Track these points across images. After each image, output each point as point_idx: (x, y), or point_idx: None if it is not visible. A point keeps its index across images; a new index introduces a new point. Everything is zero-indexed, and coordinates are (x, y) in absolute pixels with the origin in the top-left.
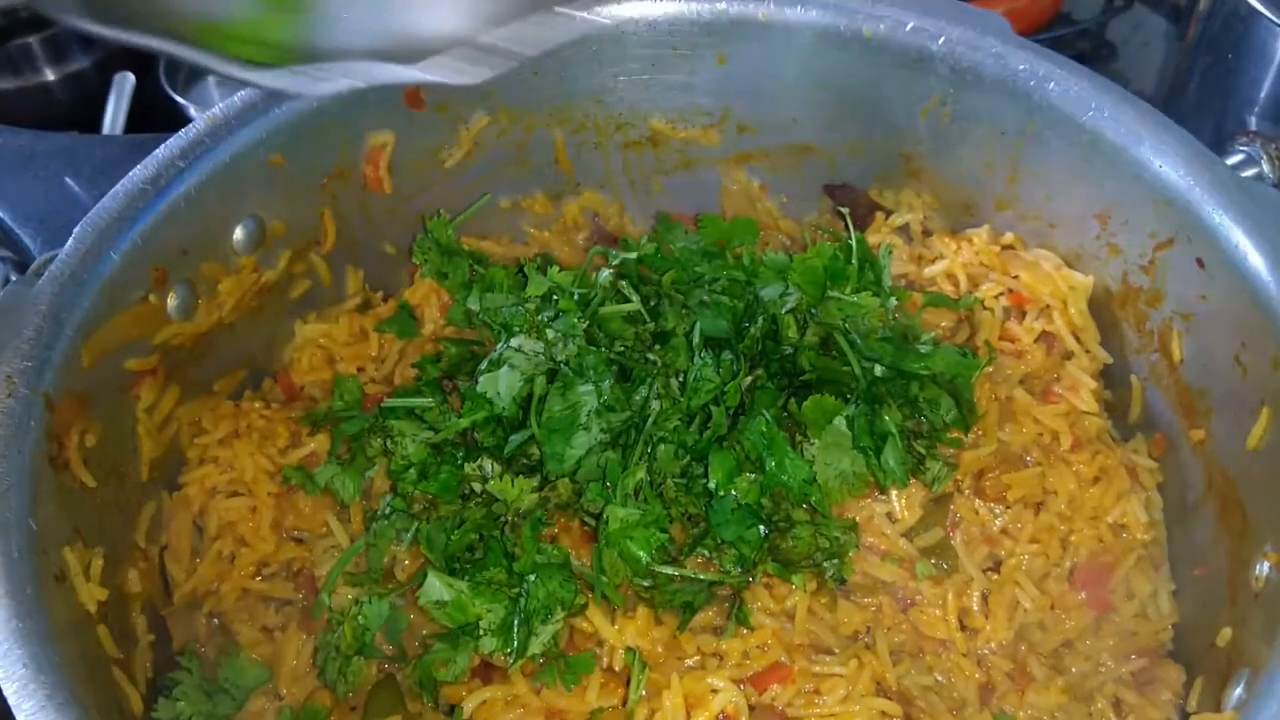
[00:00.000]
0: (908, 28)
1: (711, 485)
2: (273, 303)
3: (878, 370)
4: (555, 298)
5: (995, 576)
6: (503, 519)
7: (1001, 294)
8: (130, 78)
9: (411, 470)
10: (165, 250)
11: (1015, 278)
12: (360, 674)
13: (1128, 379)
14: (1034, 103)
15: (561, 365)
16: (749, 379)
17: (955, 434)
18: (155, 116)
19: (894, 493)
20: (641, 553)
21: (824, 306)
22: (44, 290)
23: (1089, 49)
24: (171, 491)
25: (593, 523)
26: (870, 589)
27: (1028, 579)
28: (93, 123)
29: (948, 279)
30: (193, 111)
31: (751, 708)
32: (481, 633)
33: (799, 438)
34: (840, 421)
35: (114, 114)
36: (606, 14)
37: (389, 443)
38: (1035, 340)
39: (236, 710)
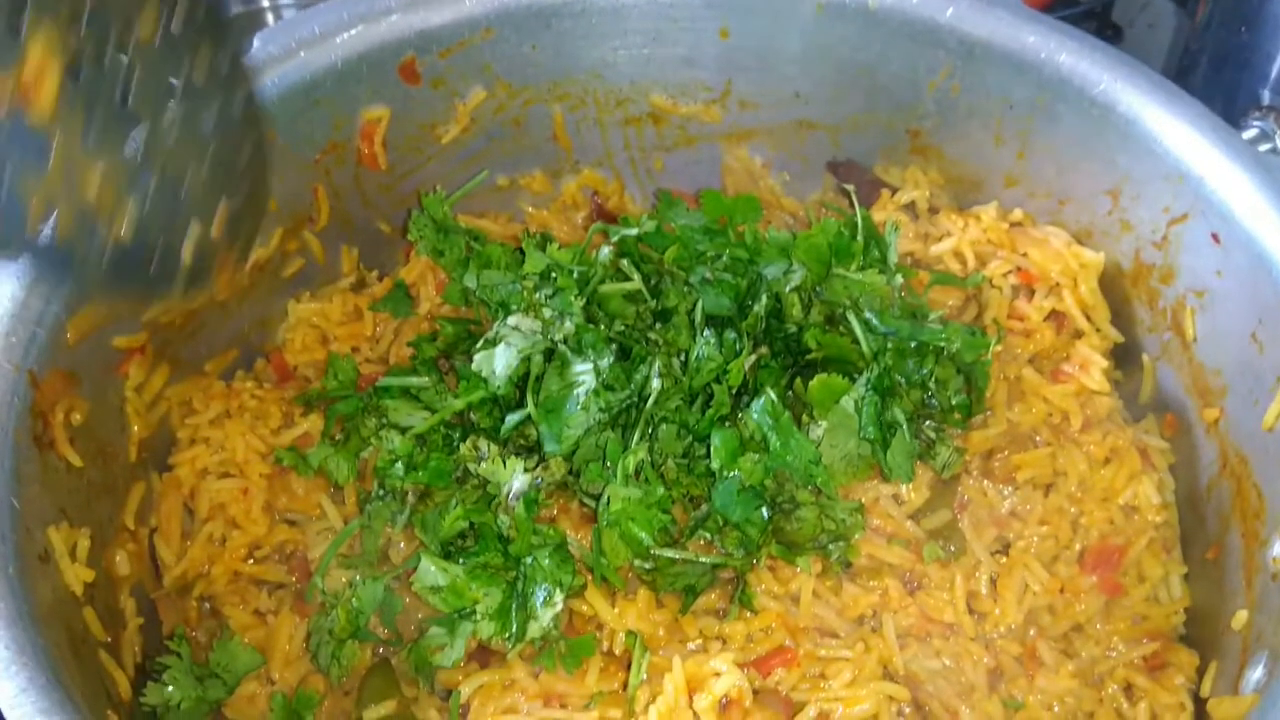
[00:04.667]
0: None
1: (714, 466)
2: (265, 281)
3: (889, 347)
4: (554, 275)
5: (1004, 559)
6: (497, 501)
7: (1010, 272)
8: None
9: (398, 464)
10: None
11: (1024, 255)
12: (354, 658)
13: (1139, 358)
14: (1044, 76)
15: (559, 344)
16: (752, 358)
17: (959, 417)
18: None
19: None
20: (643, 534)
21: (829, 284)
22: (28, 265)
23: (1094, 31)
24: (161, 472)
25: (592, 504)
26: (876, 572)
27: (1037, 562)
28: None
29: (955, 257)
30: None
31: (755, 691)
32: (479, 617)
33: (805, 418)
34: (847, 402)
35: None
36: None
37: (375, 439)
38: (1045, 319)
39: (227, 695)
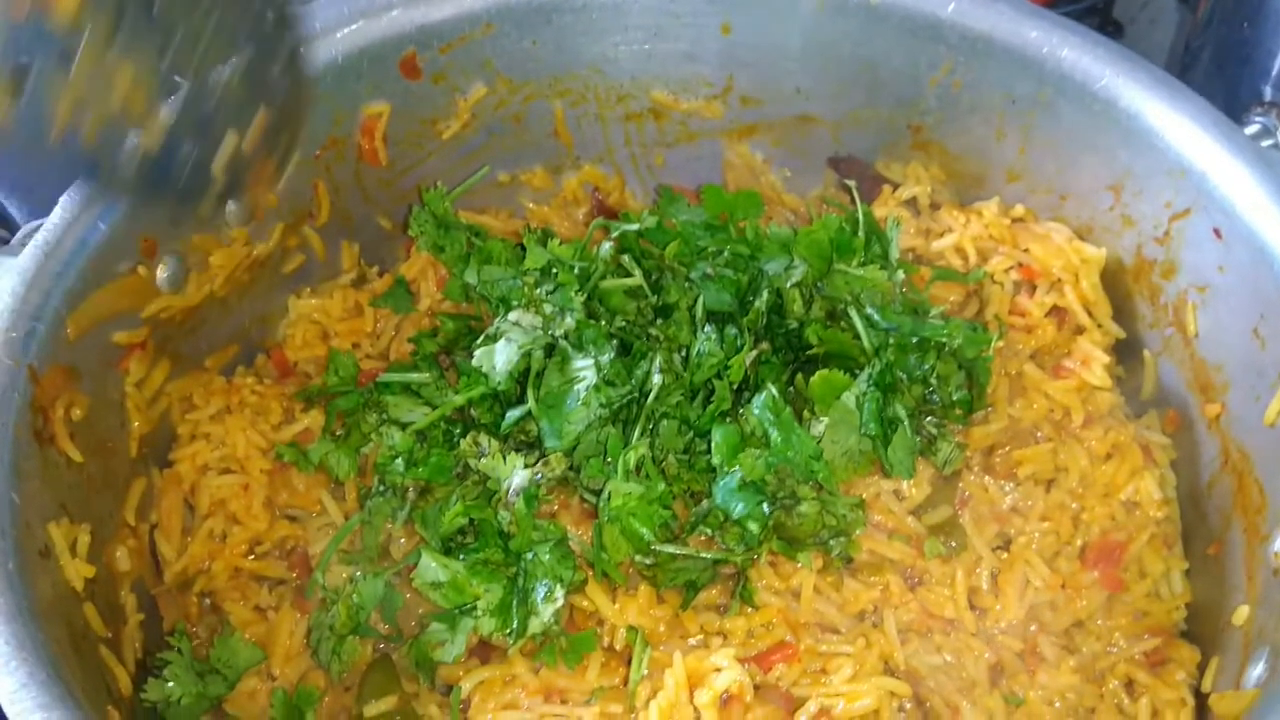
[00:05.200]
0: None
1: (715, 461)
2: (265, 277)
3: (890, 343)
4: (555, 271)
5: (1005, 555)
6: (498, 497)
7: (1011, 267)
8: None
9: (399, 460)
10: (154, 221)
11: (1025, 251)
12: (355, 654)
13: (1141, 354)
14: (1046, 71)
15: (560, 339)
16: (753, 353)
17: (960, 412)
18: None
19: None
20: (644, 530)
21: (830, 280)
22: (29, 260)
23: (1095, 27)
24: (162, 468)
25: (593, 499)
26: (877, 567)
27: (1038, 557)
28: None
29: (956, 252)
30: None
31: (756, 687)
32: (480, 613)
33: (806, 414)
34: (848, 398)
35: None
36: None
37: (375, 435)
38: (1046, 314)
39: (228, 691)
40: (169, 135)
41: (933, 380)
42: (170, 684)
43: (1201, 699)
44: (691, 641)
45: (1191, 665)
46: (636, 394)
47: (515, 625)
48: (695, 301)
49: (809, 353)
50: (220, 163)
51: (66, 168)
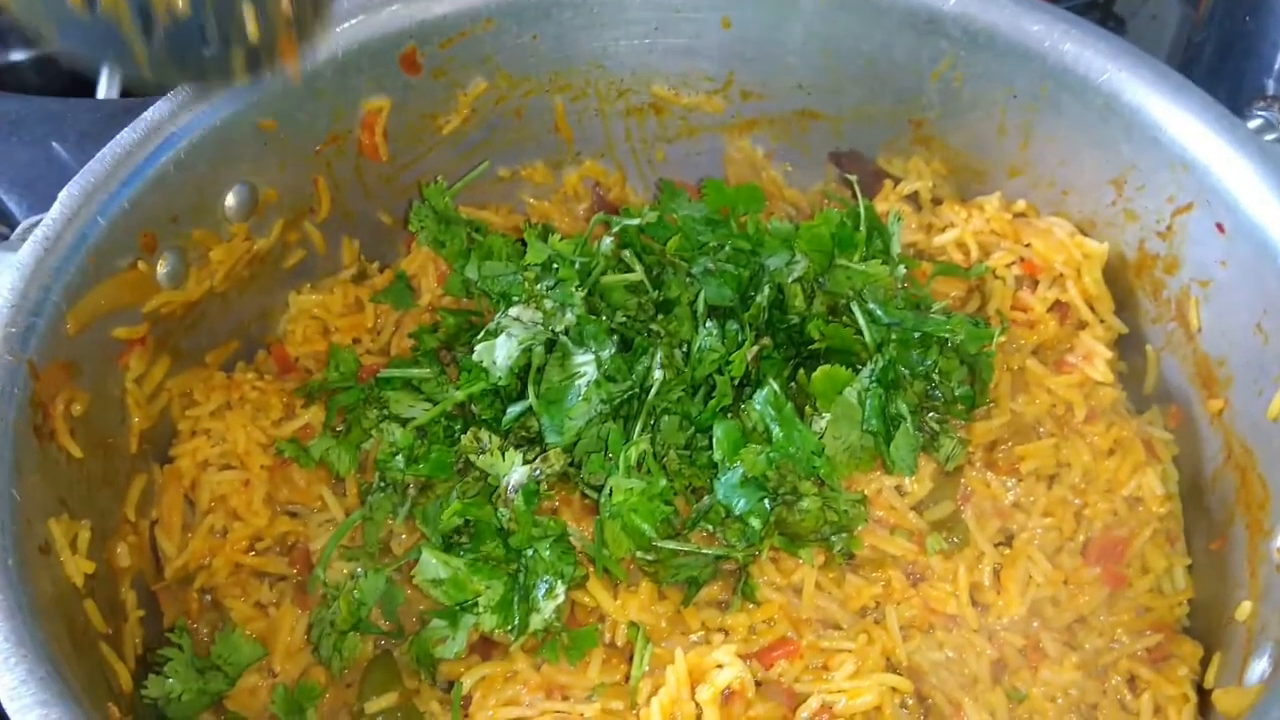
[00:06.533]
0: None
1: (717, 457)
2: (266, 272)
3: (892, 338)
4: (555, 266)
5: (1007, 551)
6: (498, 493)
7: (1013, 263)
8: None
9: (399, 456)
10: (154, 216)
11: (1027, 246)
12: (356, 650)
13: (1143, 349)
14: (1048, 64)
15: (560, 335)
16: (755, 349)
17: (963, 408)
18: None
19: None
20: (645, 526)
21: (832, 275)
22: (28, 255)
23: (1096, 22)
24: (162, 464)
25: (594, 495)
26: (879, 563)
27: (1040, 553)
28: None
29: (958, 248)
30: None
31: (758, 683)
32: (481, 609)
33: (808, 409)
34: (850, 393)
35: (109, 78)
36: None
37: (376, 430)
38: (1048, 310)
39: (229, 687)
40: (188, 7)
41: (935, 376)
42: (171, 680)
43: (1204, 695)
44: (693, 638)
45: (1194, 661)
46: (637, 389)
47: (516, 621)
48: (696, 297)
49: (810, 348)
50: (250, 25)
51: (91, 39)
